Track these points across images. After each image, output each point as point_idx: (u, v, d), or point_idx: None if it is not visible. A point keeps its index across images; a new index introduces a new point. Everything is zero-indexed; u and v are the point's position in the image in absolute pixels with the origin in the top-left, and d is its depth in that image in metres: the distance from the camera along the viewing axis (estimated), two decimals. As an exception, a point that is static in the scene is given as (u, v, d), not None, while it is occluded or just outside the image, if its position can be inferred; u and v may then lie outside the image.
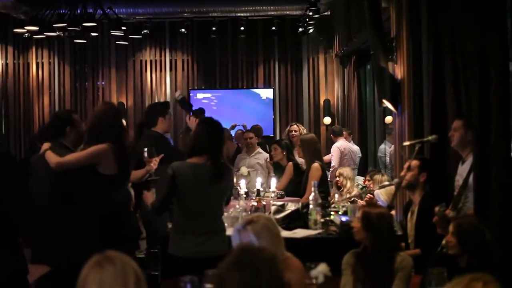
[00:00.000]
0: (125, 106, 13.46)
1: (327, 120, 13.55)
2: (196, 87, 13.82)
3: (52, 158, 5.03)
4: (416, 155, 5.55)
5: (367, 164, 12.17)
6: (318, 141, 8.39)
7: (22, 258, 4.09)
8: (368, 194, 7.93)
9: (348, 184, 8.27)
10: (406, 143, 5.81)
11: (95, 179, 5.07)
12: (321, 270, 3.29)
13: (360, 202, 7.51)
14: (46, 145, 5.15)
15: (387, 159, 11.06)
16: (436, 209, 4.93)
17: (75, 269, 4.86)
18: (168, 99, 13.83)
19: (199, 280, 3.29)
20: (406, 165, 5.66)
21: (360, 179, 9.42)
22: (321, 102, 13.77)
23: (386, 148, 11.01)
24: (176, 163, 5.08)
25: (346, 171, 8.52)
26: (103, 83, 13.94)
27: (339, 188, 8.21)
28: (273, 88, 13.78)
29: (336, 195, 6.86)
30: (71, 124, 5.35)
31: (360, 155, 11.50)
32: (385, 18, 7.36)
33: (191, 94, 13.62)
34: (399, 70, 6.97)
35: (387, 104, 7.02)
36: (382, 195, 6.98)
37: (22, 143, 13.70)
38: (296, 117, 13.63)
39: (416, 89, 6.60)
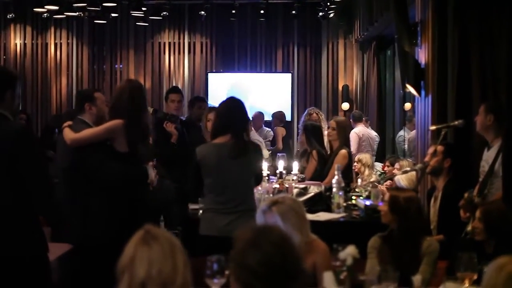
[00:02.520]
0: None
1: (345, 105, 13.47)
2: (214, 70, 13.76)
3: (68, 134, 5.06)
4: (441, 139, 5.48)
5: (385, 151, 12.10)
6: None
7: (42, 236, 4.06)
8: (388, 180, 7.87)
9: (367, 172, 8.18)
10: (433, 127, 5.74)
11: (108, 154, 5.05)
12: (349, 252, 3.25)
13: (381, 187, 7.45)
14: (67, 123, 5.14)
15: (406, 145, 11.01)
16: (466, 194, 4.88)
17: (95, 247, 4.92)
18: (186, 82, 13.81)
19: (226, 259, 3.26)
20: (431, 150, 5.59)
21: (378, 166, 9.35)
22: (340, 88, 13.69)
23: (405, 135, 10.93)
24: (200, 146, 5.09)
25: (366, 157, 8.41)
26: (121, 65, 13.91)
27: (357, 174, 8.13)
28: (291, 73, 13.69)
29: (359, 180, 6.80)
30: (90, 101, 5.35)
31: (378, 140, 11.41)
32: (409, 2, 7.26)
33: (208, 77, 13.56)
34: (423, 55, 6.89)
35: (410, 89, 6.94)
36: (402, 181, 6.91)
37: (39, 124, 13.68)
38: (314, 102, 13.55)
39: (441, 74, 6.54)
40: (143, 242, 2.44)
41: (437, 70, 6.56)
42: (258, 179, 5.27)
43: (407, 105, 11.93)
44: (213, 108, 6.62)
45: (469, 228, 4.91)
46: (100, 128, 5.09)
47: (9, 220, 3.85)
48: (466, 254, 3.37)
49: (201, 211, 5.38)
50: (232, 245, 3.50)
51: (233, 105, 5.13)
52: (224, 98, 5.32)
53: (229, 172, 4.94)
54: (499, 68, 5.68)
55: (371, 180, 8.00)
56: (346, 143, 7.57)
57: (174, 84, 13.63)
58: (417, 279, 3.47)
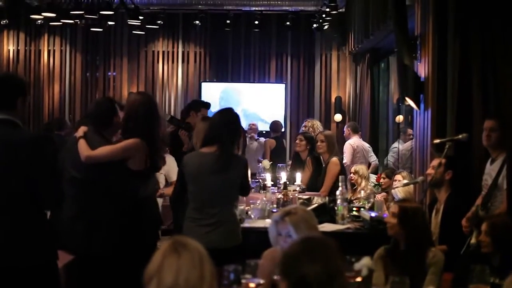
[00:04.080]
0: (136, 97, 13.40)
1: (338, 117, 13.53)
2: (207, 80, 13.78)
3: (83, 150, 4.90)
4: (446, 153, 5.53)
5: (378, 162, 12.15)
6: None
7: (54, 244, 4.07)
8: (383, 193, 7.90)
9: (363, 183, 8.20)
10: (436, 141, 5.79)
11: (124, 172, 5.00)
12: (365, 263, 3.27)
13: (378, 197, 7.49)
14: (82, 130, 5.04)
15: (394, 157, 11.08)
16: (473, 208, 4.93)
17: (100, 257, 4.91)
18: (180, 91, 13.82)
19: (243, 269, 3.27)
20: (435, 163, 5.63)
21: (373, 177, 9.38)
22: (333, 99, 13.74)
23: (399, 147, 10.99)
24: (187, 154, 5.13)
25: (362, 169, 8.41)
26: (114, 73, 13.90)
27: (353, 185, 8.16)
28: (285, 83, 13.74)
29: (362, 192, 6.85)
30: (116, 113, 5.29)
31: (372, 154, 11.43)
32: (409, 14, 7.31)
33: (202, 86, 13.59)
34: (422, 68, 6.95)
35: (409, 102, 7.00)
36: (399, 193, 6.94)
37: (30, 130, 13.61)
38: (307, 113, 13.60)
39: (440, 88, 6.59)
40: (172, 250, 2.47)
41: (437, 84, 6.62)
42: (244, 190, 5.28)
43: (399, 118, 12.01)
44: (206, 118, 6.68)
45: (472, 240, 4.97)
46: (117, 147, 4.97)
47: (23, 227, 3.86)
48: (478, 266, 3.41)
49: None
50: (210, 256, 3.53)
51: (226, 117, 5.16)
52: (218, 108, 5.33)
53: (207, 183, 4.99)
54: (501, 82, 5.74)
55: (368, 192, 8.02)
56: (336, 152, 7.69)
57: (167, 93, 13.67)
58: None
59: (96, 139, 5.01)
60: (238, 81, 13.77)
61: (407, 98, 6.99)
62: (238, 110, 5.39)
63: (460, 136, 5.62)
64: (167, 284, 2.43)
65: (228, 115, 5.18)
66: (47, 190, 3.91)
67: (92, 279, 4.94)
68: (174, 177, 6.40)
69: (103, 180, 4.96)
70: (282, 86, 13.71)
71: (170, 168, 6.87)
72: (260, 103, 13.49)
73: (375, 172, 10.50)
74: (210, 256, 2.93)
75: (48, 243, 3.98)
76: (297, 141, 7.92)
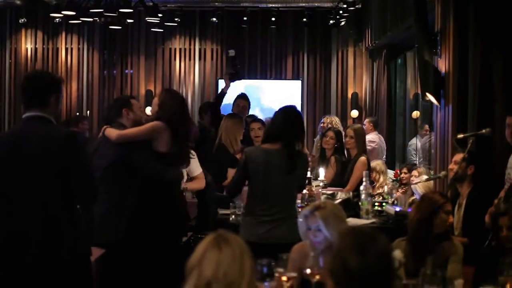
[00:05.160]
0: (153, 95, 13.48)
1: (354, 113, 13.56)
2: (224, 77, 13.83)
3: (112, 131, 5.25)
4: (469, 148, 5.56)
5: (394, 158, 12.20)
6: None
7: (87, 241, 4.16)
8: (403, 187, 7.93)
9: (381, 179, 8.23)
10: (460, 135, 5.82)
11: (151, 154, 5.26)
12: (395, 255, 3.33)
13: (398, 193, 7.53)
14: (105, 127, 5.30)
15: (415, 153, 11.11)
16: (495, 201, 4.96)
17: (127, 247, 5.04)
18: (197, 88, 13.89)
19: (276, 263, 3.35)
20: (457, 158, 5.66)
21: (390, 173, 9.40)
22: (349, 95, 13.78)
23: (417, 142, 11.02)
24: (249, 148, 5.19)
25: (379, 164, 8.41)
26: (131, 71, 13.98)
27: (371, 182, 8.17)
28: (301, 80, 13.79)
29: (385, 187, 6.90)
30: (127, 106, 5.51)
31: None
32: (429, 10, 7.34)
33: (219, 83, 13.64)
34: (443, 64, 6.98)
35: (430, 97, 7.03)
36: (419, 189, 6.98)
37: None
38: (323, 109, 13.65)
39: (461, 83, 6.63)
40: (214, 244, 2.52)
41: (457, 79, 6.66)
42: (302, 186, 5.36)
43: (416, 113, 12.03)
44: (255, 118, 6.76)
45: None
46: (145, 127, 5.31)
47: (60, 224, 3.93)
48: (508, 258, 3.46)
49: (232, 216, 5.50)
50: (271, 252, 3.59)
51: (290, 114, 5.19)
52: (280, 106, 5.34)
53: (275, 180, 5.00)
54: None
55: (388, 187, 8.04)
56: (364, 150, 7.66)
57: (184, 91, 13.74)
58: (459, 283, 3.55)
59: (122, 129, 5.36)
60: (255, 78, 13.82)
61: (427, 94, 7.03)
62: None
63: (484, 131, 5.64)
64: (207, 276, 2.49)
65: (291, 113, 5.22)
66: (83, 185, 3.99)
67: (118, 270, 5.09)
68: (196, 171, 6.50)
69: (134, 162, 5.21)
70: (298, 83, 13.75)
71: (191, 161, 6.85)
72: (277, 99, 13.52)
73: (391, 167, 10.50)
74: (276, 251, 2.98)
75: (83, 238, 4.06)
76: (327, 138, 7.83)
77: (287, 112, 5.20)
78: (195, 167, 6.55)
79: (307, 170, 5.41)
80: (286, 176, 5.00)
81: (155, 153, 5.24)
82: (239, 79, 8.65)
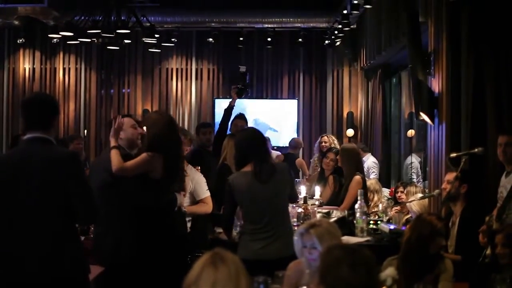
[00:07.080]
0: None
1: (350, 132, 13.64)
2: (220, 96, 13.92)
3: (116, 162, 5.14)
4: (462, 167, 5.64)
5: (390, 177, 12.26)
6: (360, 152, 8.40)
7: (85, 258, 4.22)
8: (398, 206, 7.97)
9: (376, 198, 8.27)
10: (453, 154, 5.91)
11: (142, 181, 5.24)
12: (389, 273, 3.40)
13: (393, 212, 7.58)
14: (113, 140, 5.26)
15: (413, 171, 11.16)
16: (486, 219, 5.03)
17: (124, 267, 5.08)
18: (193, 107, 13.98)
19: (272, 280, 3.41)
20: (450, 177, 5.74)
21: (386, 191, 9.46)
22: (345, 115, 13.87)
23: (413, 161, 11.09)
24: (232, 175, 5.30)
25: (372, 183, 8.43)
26: (128, 90, 14.07)
27: (367, 201, 8.22)
28: (297, 99, 13.89)
29: (380, 205, 6.96)
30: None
31: (375, 170, 11.41)
32: (422, 30, 7.44)
33: (215, 103, 13.73)
34: (436, 84, 7.08)
35: (424, 116, 7.12)
36: (414, 207, 7.04)
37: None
38: (319, 128, 13.74)
39: (454, 103, 6.72)
40: (210, 263, 2.58)
41: (451, 99, 6.75)
42: (293, 197, 5.46)
43: (411, 132, 12.11)
44: (231, 136, 6.82)
45: (488, 251, 5.07)
46: (143, 162, 5.23)
47: (57, 242, 3.99)
48: (499, 275, 3.54)
49: (235, 233, 5.58)
50: (268, 268, 3.65)
51: (249, 136, 5.40)
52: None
53: (260, 196, 5.13)
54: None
55: (382, 206, 8.09)
56: (358, 168, 7.73)
57: (181, 110, 13.84)
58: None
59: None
60: (251, 97, 13.90)
61: (421, 113, 7.12)
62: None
63: (476, 150, 5.73)
64: None
65: (250, 135, 5.44)
66: (85, 205, 4.06)
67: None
68: (202, 194, 6.53)
69: (124, 188, 5.20)
70: (294, 102, 13.85)
71: (198, 185, 6.64)
72: (273, 118, 13.62)
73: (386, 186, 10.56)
74: (273, 266, 3.03)
75: (82, 257, 4.12)
76: (328, 160, 7.93)
77: (246, 135, 5.46)
78: (201, 190, 6.54)
79: (290, 179, 5.50)
80: (270, 190, 5.16)
81: (150, 180, 5.25)
82: (246, 94, 8.77)
